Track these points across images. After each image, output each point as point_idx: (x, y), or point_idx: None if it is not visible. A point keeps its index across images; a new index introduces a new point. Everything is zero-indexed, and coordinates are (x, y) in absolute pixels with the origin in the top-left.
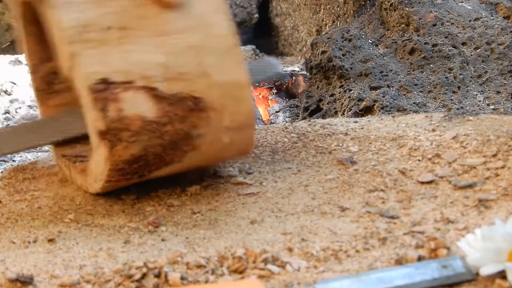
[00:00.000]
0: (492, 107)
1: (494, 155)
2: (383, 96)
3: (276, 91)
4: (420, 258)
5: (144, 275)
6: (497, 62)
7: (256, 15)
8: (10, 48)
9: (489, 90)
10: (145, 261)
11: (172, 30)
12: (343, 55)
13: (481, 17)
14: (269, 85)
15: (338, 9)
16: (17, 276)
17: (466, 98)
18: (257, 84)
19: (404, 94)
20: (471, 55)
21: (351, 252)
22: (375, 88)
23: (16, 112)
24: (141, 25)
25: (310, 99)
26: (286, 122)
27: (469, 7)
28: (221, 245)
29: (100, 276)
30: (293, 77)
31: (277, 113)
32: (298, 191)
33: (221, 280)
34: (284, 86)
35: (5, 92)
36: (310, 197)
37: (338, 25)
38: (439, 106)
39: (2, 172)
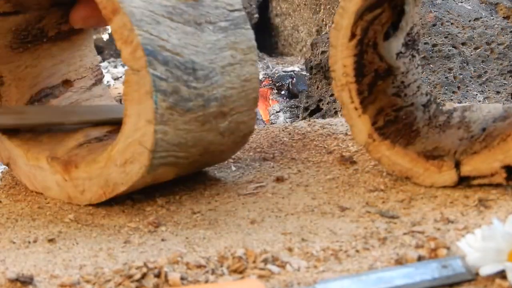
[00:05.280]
0: None
1: None
2: None
3: (276, 91)
4: (420, 258)
5: (144, 275)
6: (497, 62)
7: (256, 15)
8: None
9: (489, 90)
10: (145, 261)
11: None
12: None
13: (481, 17)
14: (270, 85)
15: None
16: (17, 276)
17: (466, 98)
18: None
19: None
20: (471, 55)
21: (351, 252)
22: None
23: None
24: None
25: (310, 99)
26: (286, 122)
27: (469, 7)
28: (221, 245)
29: (100, 276)
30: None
31: (277, 113)
32: (298, 191)
33: (221, 280)
34: (285, 87)
35: None
36: (310, 197)
37: None
38: None
39: (2, 172)
